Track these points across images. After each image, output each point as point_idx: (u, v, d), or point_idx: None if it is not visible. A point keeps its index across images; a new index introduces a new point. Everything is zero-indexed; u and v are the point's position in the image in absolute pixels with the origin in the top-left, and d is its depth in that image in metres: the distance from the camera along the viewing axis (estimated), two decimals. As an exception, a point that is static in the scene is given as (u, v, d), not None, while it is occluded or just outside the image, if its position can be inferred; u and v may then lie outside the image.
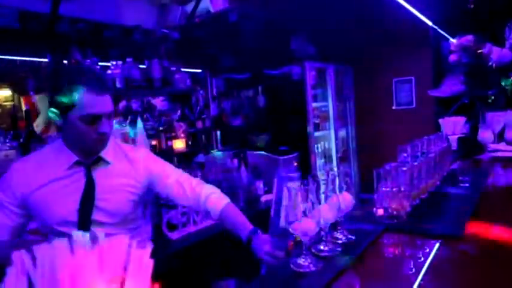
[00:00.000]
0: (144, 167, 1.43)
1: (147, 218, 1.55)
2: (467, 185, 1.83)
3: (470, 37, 2.93)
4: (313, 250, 1.15)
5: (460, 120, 3.06)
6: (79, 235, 0.51)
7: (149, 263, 0.49)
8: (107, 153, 1.35)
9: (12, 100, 2.57)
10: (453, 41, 3.09)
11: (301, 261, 1.08)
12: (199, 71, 3.96)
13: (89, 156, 1.32)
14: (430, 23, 3.56)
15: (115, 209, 1.34)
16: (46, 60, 2.55)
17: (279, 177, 1.18)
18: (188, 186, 1.46)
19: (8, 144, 2.17)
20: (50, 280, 0.45)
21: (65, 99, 1.19)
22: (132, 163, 1.41)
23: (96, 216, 1.30)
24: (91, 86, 1.20)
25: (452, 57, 3.06)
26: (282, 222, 1.14)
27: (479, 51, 2.90)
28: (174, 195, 1.46)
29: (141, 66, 3.02)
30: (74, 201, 1.28)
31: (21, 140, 2.26)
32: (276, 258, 1.19)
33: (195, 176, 2.48)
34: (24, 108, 2.54)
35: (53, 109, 1.23)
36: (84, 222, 1.28)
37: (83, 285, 0.45)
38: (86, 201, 1.28)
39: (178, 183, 1.46)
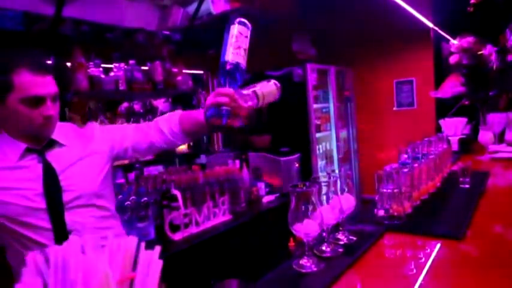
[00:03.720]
0: (101, 137, 1.38)
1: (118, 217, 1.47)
2: (467, 186, 1.84)
3: (470, 39, 2.94)
4: (315, 251, 1.17)
5: (461, 121, 3.08)
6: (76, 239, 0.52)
7: (158, 264, 0.50)
8: (59, 135, 1.27)
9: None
10: (454, 42, 3.11)
11: (303, 261, 1.09)
12: (200, 72, 3.98)
13: (39, 142, 1.22)
14: (431, 25, 3.57)
15: (82, 188, 1.26)
16: (49, 62, 2.57)
17: (230, 20, 1.14)
18: (144, 125, 1.45)
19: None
20: (63, 281, 0.47)
21: (3, 83, 1.09)
22: (88, 139, 1.35)
23: (65, 198, 1.22)
24: (31, 65, 1.11)
25: (453, 59, 3.08)
26: (228, 57, 1.14)
27: (479, 52, 2.91)
28: (138, 140, 1.41)
29: (143, 67, 3.04)
30: (34, 188, 1.18)
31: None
32: (222, 95, 1.11)
33: (197, 176, 2.51)
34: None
35: None
36: (55, 208, 1.20)
37: (94, 285, 0.47)
38: (50, 187, 1.20)
39: (136, 128, 1.44)
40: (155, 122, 1.43)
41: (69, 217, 1.23)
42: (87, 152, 1.32)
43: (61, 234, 1.20)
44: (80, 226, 1.24)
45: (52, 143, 1.25)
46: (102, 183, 1.33)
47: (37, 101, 1.13)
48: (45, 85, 1.14)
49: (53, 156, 1.24)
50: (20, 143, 1.19)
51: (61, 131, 1.29)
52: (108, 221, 1.36)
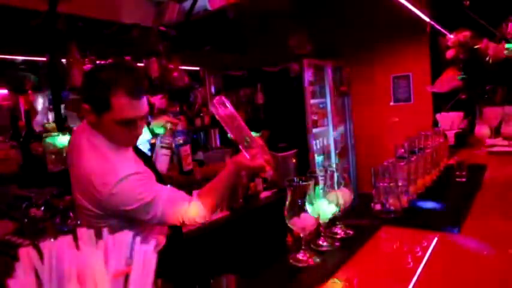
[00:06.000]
0: None
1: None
2: (464, 179, 1.85)
3: (467, 33, 2.94)
4: (312, 245, 1.17)
5: (457, 115, 3.08)
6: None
7: (153, 258, 0.50)
8: None
9: (10, 99, 2.57)
10: (450, 36, 3.10)
11: (300, 255, 1.09)
12: (197, 68, 3.96)
13: None
14: (427, 19, 3.56)
15: None
16: (44, 59, 2.55)
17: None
18: None
19: (8, 143, 2.18)
20: (57, 275, 0.46)
21: (101, 101, 1.16)
22: None
23: None
24: (129, 89, 1.16)
25: (450, 53, 3.07)
26: None
27: (476, 46, 2.91)
28: None
29: (139, 64, 3.02)
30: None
31: (21, 139, 2.27)
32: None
33: (195, 171, 2.50)
34: (22, 107, 2.54)
35: (86, 105, 1.20)
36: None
37: (88, 280, 0.47)
38: (151, 167, 1.43)
39: None
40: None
41: None
42: None
43: None
44: None
45: None
46: None
47: (128, 122, 1.20)
48: (138, 108, 1.20)
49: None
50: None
51: None
52: None
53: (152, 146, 1.72)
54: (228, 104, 1.24)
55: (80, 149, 1.27)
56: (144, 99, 1.23)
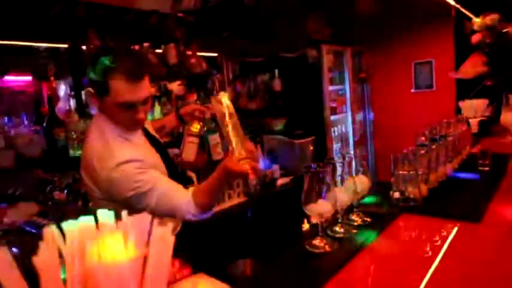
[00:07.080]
0: None
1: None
2: (487, 168, 1.79)
3: (495, 16, 2.81)
4: (328, 232, 1.17)
5: (481, 102, 2.98)
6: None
7: (170, 240, 0.51)
8: None
9: (34, 86, 2.63)
10: (476, 20, 2.97)
11: (316, 242, 1.09)
12: (215, 55, 3.95)
13: None
14: (452, 2, 3.42)
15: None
16: (65, 45, 2.59)
17: None
18: None
19: (32, 128, 2.25)
20: (79, 255, 0.48)
21: (101, 85, 1.18)
22: None
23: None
24: (126, 73, 1.16)
25: (475, 38, 2.95)
26: None
27: (504, 30, 2.79)
28: None
29: (157, 50, 3.04)
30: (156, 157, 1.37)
31: (44, 125, 2.33)
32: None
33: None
34: (45, 93, 2.60)
35: (90, 89, 1.23)
36: (171, 167, 1.44)
37: (109, 260, 0.48)
38: (165, 156, 1.43)
39: None
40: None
41: None
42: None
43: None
44: None
45: None
46: None
47: (128, 106, 1.21)
48: (137, 91, 1.20)
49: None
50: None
51: None
52: None
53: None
54: (227, 101, 1.23)
55: (88, 132, 1.31)
56: (144, 83, 1.22)
